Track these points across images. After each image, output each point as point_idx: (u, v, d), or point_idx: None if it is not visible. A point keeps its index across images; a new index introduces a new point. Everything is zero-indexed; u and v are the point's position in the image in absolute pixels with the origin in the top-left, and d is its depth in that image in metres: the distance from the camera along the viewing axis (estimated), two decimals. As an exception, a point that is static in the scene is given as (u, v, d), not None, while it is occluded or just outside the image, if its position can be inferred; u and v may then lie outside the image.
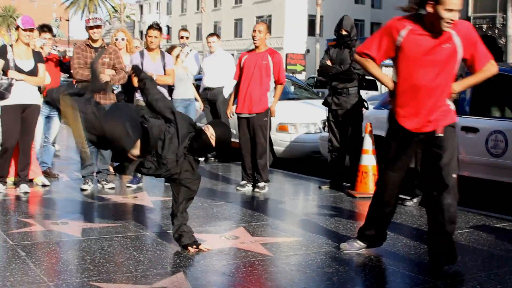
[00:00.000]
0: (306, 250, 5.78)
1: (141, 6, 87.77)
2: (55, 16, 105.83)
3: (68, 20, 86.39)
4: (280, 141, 11.27)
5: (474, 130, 7.91)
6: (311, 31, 56.39)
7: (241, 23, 63.41)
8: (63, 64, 9.58)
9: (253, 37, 8.80)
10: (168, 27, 68.27)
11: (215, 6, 68.58)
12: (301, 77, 47.23)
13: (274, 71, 8.70)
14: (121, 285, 4.62)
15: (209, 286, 4.75)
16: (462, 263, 5.31)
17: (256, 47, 8.81)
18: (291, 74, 27.63)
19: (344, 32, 8.77)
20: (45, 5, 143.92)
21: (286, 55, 53.00)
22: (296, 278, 5.01)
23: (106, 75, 8.21)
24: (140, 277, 4.82)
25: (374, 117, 9.08)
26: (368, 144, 8.41)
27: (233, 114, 9.07)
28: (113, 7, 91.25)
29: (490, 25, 42.49)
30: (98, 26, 8.47)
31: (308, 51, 57.32)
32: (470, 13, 42.21)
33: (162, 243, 5.88)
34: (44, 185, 8.71)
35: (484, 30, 41.74)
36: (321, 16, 48.44)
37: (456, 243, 5.38)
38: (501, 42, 40.40)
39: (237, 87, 8.96)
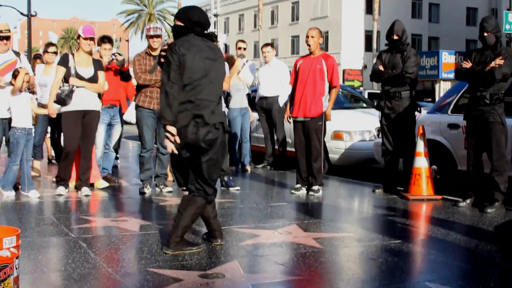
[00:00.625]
0: (357, 243, 5.89)
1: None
2: (115, 37, 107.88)
3: (127, 41, 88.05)
4: (335, 149, 11.36)
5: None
6: (368, 47, 56.34)
7: (298, 40, 63.59)
8: (122, 73, 9.87)
9: (307, 43, 8.93)
10: (226, 45, 68.78)
11: (272, 23, 69.00)
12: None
13: (328, 75, 8.79)
14: (176, 271, 4.79)
15: (261, 273, 4.91)
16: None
17: (311, 52, 8.95)
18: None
19: (395, 37, 8.85)
20: (105, 27, 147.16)
21: (344, 71, 52.97)
22: (345, 267, 5.14)
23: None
24: (194, 264, 5.00)
25: (429, 122, 9.14)
26: (421, 146, 8.47)
27: (290, 118, 9.15)
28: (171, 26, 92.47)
29: None
30: (158, 36, 8.75)
31: (365, 66, 57.15)
32: None
33: (217, 237, 6.05)
34: (104, 189, 8.98)
35: None
36: (378, 31, 48.36)
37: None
38: None
39: (292, 91, 9.09)
